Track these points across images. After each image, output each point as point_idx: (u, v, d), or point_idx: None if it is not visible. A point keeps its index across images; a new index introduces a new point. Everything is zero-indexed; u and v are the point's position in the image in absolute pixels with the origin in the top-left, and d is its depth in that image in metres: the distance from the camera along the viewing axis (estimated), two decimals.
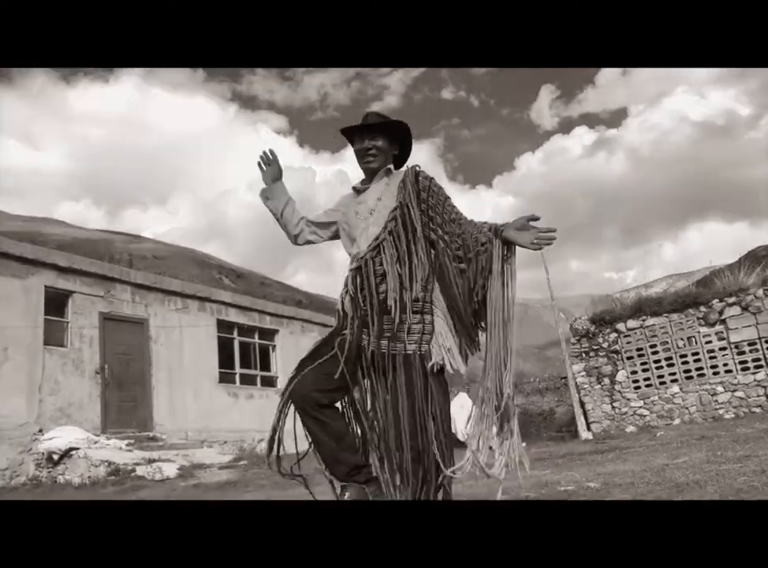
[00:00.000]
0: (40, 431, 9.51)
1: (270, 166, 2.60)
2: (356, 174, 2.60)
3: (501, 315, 2.17)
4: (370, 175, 2.47)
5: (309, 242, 2.62)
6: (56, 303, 10.41)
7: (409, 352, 2.18)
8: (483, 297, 2.20)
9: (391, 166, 2.47)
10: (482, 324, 2.24)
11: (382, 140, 2.42)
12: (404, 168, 2.44)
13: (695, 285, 14.16)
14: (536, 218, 2.12)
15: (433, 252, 2.28)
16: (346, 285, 2.35)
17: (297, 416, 2.23)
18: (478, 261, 2.19)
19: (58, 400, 9.94)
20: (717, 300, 11.39)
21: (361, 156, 2.44)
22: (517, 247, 2.17)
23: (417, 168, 2.39)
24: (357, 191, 2.49)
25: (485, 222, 2.25)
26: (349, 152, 2.52)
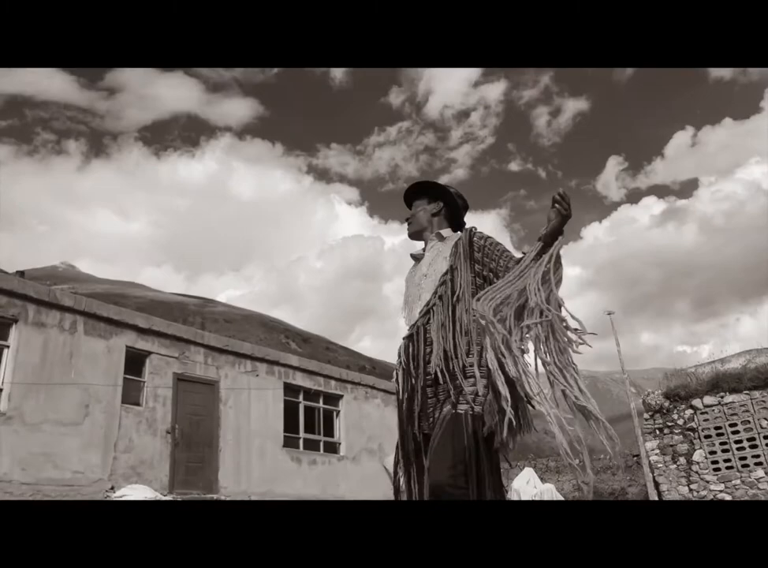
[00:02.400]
0: (112, 488, 9.80)
1: None
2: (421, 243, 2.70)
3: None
4: (423, 243, 2.50)
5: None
6: (135, 363, 10.89)
7: (460, 411, 2.04)
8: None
9: (442, 231, 2.43)
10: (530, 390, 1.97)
11: (416, 207, 2.51)
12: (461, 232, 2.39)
13: None
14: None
15: None
16: (399, 354, 2.30)
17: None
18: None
19: (131, 458, 10.27)
20: None
21: None
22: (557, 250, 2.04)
23: (473, 229, 2.33)
24: (415, 258, 2.50)
25: None
26: None
